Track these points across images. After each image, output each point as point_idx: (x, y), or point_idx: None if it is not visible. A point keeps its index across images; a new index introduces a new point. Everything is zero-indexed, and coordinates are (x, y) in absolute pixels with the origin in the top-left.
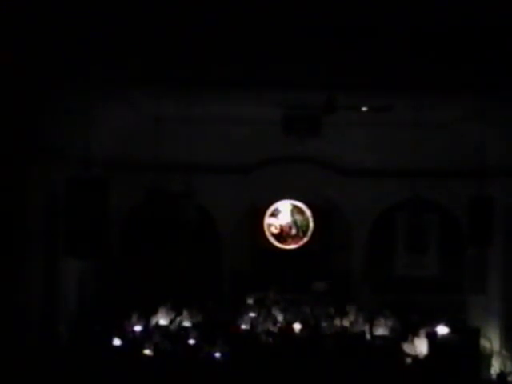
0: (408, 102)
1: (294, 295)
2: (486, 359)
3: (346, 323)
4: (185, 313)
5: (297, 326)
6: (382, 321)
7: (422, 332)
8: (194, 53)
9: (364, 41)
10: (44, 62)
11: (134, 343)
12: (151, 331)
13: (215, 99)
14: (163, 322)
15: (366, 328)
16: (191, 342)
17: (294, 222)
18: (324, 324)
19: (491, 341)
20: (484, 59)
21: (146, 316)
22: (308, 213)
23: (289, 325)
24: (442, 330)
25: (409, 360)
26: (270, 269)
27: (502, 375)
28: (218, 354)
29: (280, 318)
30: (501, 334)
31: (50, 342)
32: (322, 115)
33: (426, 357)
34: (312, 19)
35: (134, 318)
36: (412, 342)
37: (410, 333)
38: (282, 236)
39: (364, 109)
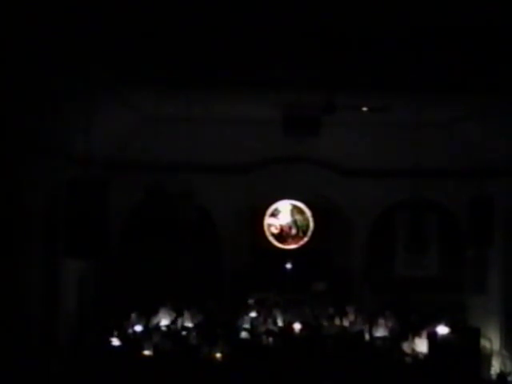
0: (408, 102)
1: (294, 295)
2: (486, 359)
3: (345, 323)
4: (185, 313)
5: (297, 326)
6: (382, 321)
7: (423, 332)
8: (194, 53)
9: (364, 41)
10: (44, 61)
11: (134, 343)
12: (151, 331)
13: (215, 99)
14: (163, 322)
15: (366, 328)
16: (191, 342)
17: (294, 222)
18: (324, 324)
19: (491, 341)
20: (484, 59)
21: (146, 316)
22: (308, 213)
23: (289, 325)
24: (442, 330)
25: (409, 360)
26: (270, 269)
27: (502, 375)
28: (218, 355)
29: (280, 318)
30: (501, 334)
31: (49, 342)
32: (321, 115)
33: (427, 357)
34: (312, 19)
35: (134, 318)
36: (412, 341)
37: (410, 333)
38: (282, 236)
39: (364, 109)
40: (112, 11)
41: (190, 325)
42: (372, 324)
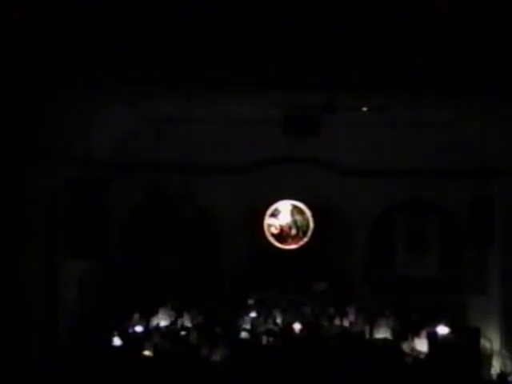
0: (408, 102)
1: (294, 295)
2: (486, 359)
3: (345, 323)
4: (185, 314)
5: (297, 327)
6: (382, 321)
7: (422, 332)
8: (194, 53)
9: (364, 41)
10: (44, 62)
11: (134, 344)
12: (151, 332)
13: (215, 99)
14: (163, 322)
15: (366, 328)
16: (191, 342)
17: (294, 222)
18: (324, 324)
19: (491, 341)
20: (484, 59)
21: (146, 316)
22: (308, 213)
23: (289, 325)
24: (442, 329)
25: (409, 360)
26: (270, 269)
27: (502, 375)
28: (218, 355)
29: (280, 318)
30: (501, 334)
31: (50, 341)
32: (321, 115)
33: (427, 357)
34: (312, 19)
35: (135, 318)
36: (412, 341)
37: (410, 333)
38: (282, 236)
39: (364, 109)
40: (112, 11)
41: (189, 325)
42: (372, 324)
